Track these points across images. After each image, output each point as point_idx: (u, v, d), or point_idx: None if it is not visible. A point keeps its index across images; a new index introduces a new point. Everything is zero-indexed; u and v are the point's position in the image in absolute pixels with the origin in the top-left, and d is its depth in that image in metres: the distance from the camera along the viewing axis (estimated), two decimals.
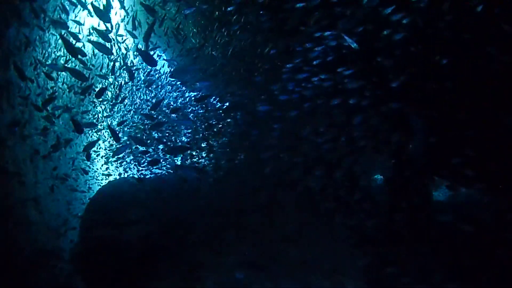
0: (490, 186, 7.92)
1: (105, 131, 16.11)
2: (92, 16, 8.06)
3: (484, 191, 8.24)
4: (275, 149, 9.92)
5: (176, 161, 13.09)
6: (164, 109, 12.76)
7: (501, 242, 7.31)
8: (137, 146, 13.34)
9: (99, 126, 14.95)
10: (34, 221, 9.41)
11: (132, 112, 14.41)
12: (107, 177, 15.55)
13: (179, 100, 14.42)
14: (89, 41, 5.75)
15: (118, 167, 15.79)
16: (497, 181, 7.67)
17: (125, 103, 14.37)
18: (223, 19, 9.75)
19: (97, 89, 11.98)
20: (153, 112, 10.49)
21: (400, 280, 7.86)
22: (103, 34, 5.60)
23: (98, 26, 10.37)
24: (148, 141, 12.77)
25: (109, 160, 15.90)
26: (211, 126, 12.13)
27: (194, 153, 13.27)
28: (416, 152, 7.56)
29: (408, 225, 7.91)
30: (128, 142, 12.99)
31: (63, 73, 10.73)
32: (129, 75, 7.07)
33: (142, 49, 14.28)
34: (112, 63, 12.44)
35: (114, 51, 12.49)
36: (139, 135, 12.95)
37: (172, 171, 12.25)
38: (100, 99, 14.05)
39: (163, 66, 14.69)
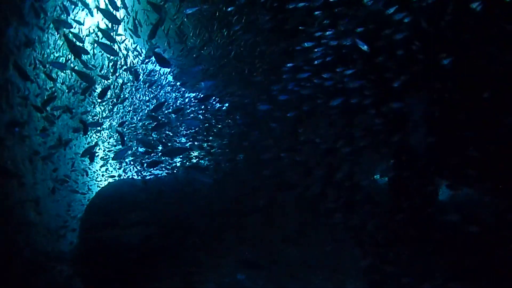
0: (490, 186, 7.92)
1: (104, 132, 16.05)
2: (92, 16, 8.05)
3: (485, 191, 8.25)
4: (275, 149, 9.90)
5: (175, 163, 13.03)
6: (164, 110, 12.71)
7: (502, 242, 7.31)
8: (138, 147, 13.30)
9: (98, 127, 14.90)
10: (34, 222, 9.34)
11: (132, 112, 14.35)
12: (110, 178, 15.49)
13: (179, 101, 14.37)
14: (95, 41, 5.72)
15: (118, 168, 15.71)
16: (498, 181, 7.67)
17: (125, 104, 14.31)
18: (223, 19, 9.72)
19: (97, 90, 11.95)
20: (153, 113, 10.44)
21: (401, 280, 7.85)
22: (109, 35, 5.57)
23: (98, 25, 10.34)
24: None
25: (109, 161, 15.84)
26: (211, 126, 12.09)
27: (193, 154, 13.23)
28: (419, 148, 7.53)
29: (410, 225, 7.90)
30: (129, 144, 12.94)
31: (62, 73, 10.68)
32: (135, 75, 7.04)
33: (142, 48, 14.28)
34: (111, 63, 12.40)
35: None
36: (140, 136, 12.90)
37: (181, 173, 12.18)
38: (100, 100, 14.01)
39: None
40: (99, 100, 13.81)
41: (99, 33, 11.01)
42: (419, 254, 7.92)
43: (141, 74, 13.86)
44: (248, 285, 8.99)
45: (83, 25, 8.40)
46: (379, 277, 8.32)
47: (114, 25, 7.51)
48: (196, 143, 12.07)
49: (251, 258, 9.38)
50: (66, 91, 10.62)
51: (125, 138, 13.61)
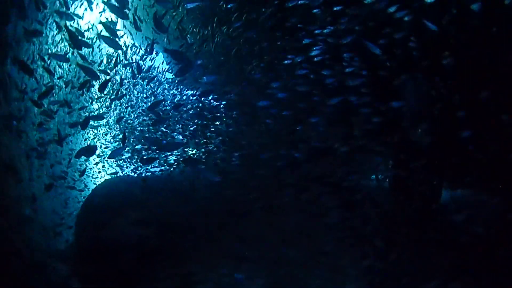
0: (491, 186, 7.92)
1: (101, 128, 15.90)
2: (91, 10, 7.94)
3: (485, 191, 8.25)
4: (272, 147, 9.86)
5: (173, 160, 12.91)
6: (162, 107, 12.63)
7: (503, 242, 7.30)
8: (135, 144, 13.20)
9: (94, 123, 14.74)
10: (30, 219, 9.20)
11: (129, 109, 14.23)
12: (107, 175, 15.37)
13: (177, 98, 14.29)
14: (99, 35, 5.63)
15: (116, 166, 15.57)
16: (498, 181, 7.66)
17: (123, 101, 14.18)
18: (223, 16, 9.66)
19: (95, 85, 11.81)
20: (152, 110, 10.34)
21: (401, 280, 7.83)
22: (112, 30, 5.48)
23: (99, 19, 10.23)
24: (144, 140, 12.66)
25: (105, 158, 15.68)
26: (209, 123, 11.99)
27: (190, 152, 13.13)
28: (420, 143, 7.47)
29: (411, 224, 7.88)
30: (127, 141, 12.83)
31: (60, 69, 10.55)
32: (137, 69, 6.97)
33: (141, 45, 14.14)
34: (110, 58, 12.29)
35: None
36: (137, 132, 12.80)
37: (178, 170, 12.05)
38: (97, 96, 13.90)
39: (162, 63, 14.58)
40: (96, 97, 13.71)
41: (99, 28, 10.93)
42: (420, 254, 7.89)
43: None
44: (247, 285, 8.94)
45: (82, 19, 8.31)
46: (379, 277, 8.29)
47: (117, 19, 7.39)
48: (193, 140, 11.98)
49: (251, 258, 9.32)
50: (64, 86, 10.50)
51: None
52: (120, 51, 11.20)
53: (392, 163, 9.00)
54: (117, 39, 5.54)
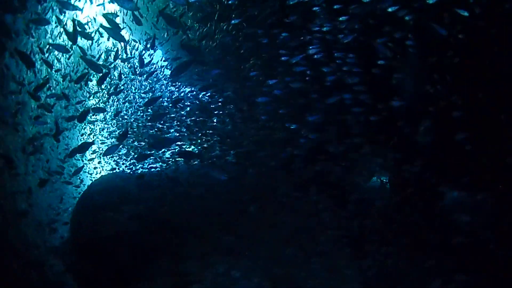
0: (489, 187, 7.95)
1: (98, 124, 15.79)
2: (91, 3, 7.84)
3: (484, 191, 8.27)
4: (272, 146, 9.84)
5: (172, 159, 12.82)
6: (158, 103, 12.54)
7: (501, 243, 7.32)
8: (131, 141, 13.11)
9: (89, 119, 14.63)
10: (26, 214, 9.09)
11: (127, 104, 14.12)
12: (103, 171, 15.25)
13: (174, 95, 14.20)
14: (102, 26, 5.55)
15: (113, 162, 15.44)
16: (498, 182, 7.68)
17: (119, 97, 14.07)
18: (223, 13, 9.61)
19: (93, 80, 11.70)
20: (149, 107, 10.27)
21: (400, 282, 7.84)
22: (114, 22, 5.40)
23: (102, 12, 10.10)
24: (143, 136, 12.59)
25: (100, 154, 15.57)
26: (205, 121, 11.92)
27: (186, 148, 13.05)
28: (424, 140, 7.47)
29: (411, 224, 7.88)
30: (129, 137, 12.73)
31: (58, 64, 10.45)
32: (139, 62, 6.91)
33: (141, 40, 14.02)
34: (109, 52, 12.20)
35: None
36: (136, 129, 12.70)
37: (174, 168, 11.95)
38: (94, 91, 13.80)
39: (161, 60, 14.50)
40: (93, 91, 13.60)
41: (99, 20, 10.84)
42: (420, 254, 7.88)
43: (138, 67, 13.66)
44: (244, 283, 8.89)
45: (82, 11, 8.21)
46: (377, 279, 8.29)
47: (116, 13, 7.30)
48: (189, 136, 11.88)
49: (249, 257, 9.29)
50: (61, 80, 10.39)
51: (120, 131, 13.40)
52: (119, 45, 11.12)
53: (393, 163, 9.01)
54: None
